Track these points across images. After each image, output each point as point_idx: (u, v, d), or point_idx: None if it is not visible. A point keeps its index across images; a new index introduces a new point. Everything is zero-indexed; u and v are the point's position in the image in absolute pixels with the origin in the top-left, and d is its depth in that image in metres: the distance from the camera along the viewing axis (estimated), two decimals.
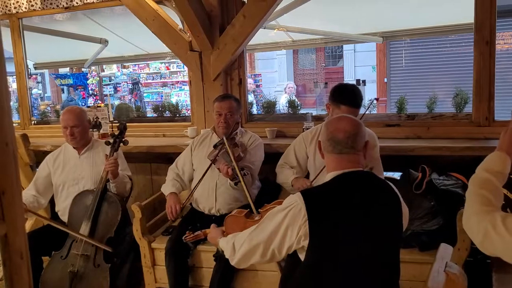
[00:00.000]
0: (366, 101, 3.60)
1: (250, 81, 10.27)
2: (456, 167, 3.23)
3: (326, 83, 9.78)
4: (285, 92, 9.37)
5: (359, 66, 13.97)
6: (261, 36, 4.92)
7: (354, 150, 1.91)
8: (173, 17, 4.03)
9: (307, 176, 3.16)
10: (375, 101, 3.40)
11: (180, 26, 4.02)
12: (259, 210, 2.47)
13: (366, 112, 3.23)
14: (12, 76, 5.20)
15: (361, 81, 9.87)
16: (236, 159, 2.96)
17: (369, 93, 10.55)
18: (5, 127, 1.01)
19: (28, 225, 3.82)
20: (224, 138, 3.03)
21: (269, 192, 3.40)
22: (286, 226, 1.85)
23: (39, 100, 12.32)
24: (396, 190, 2.00)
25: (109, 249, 3.15)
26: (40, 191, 3.47)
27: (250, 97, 8.50)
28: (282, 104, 8.84)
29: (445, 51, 10.36)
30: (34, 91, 12.60)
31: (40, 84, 14.49)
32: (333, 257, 1.84)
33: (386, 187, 1.98)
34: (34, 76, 13.42)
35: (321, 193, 1.90)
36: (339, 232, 1.83)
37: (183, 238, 2.64)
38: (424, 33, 5.64)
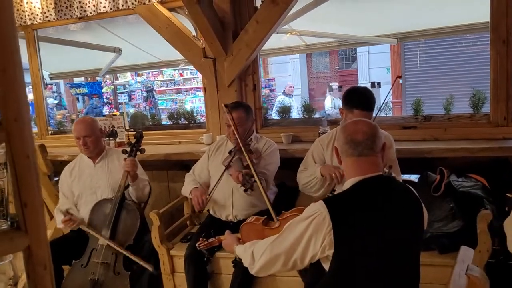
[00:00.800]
0: (380, 103, 3.58)
1: (289, 83, 9.67)
2: (474, 168, 3.19)
3: (340, 86, 9.71)
4: (329, 93, 8.57)
5: (373, 68, 13.88)
6: (274, 40, 4.93)
7: (374, 151, 1.89)
8: (186, 24, 4.05)
9: None
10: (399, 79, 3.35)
11: (193, 33, 4.03)
12: (277, 217, 2.44)
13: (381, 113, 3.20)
14: (28, 86, 5.27)
15: (376, 84, 9.78)
16: (249, 165, 2.96)
17: (384, 95, 10.47)
18: (26, 139, 1.02)
19: (48, 235, 3.85)
20: (238, 145, 3.03)
21: (286, 197, 3.39)
22: (309, 235, 1.82)
23: (55, 109, 12.47)
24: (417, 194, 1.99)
25: (150, 268, 3.12)
26: (73, 203, 3.51)
27: (290, 100, 8.14)
28: (326, 106, 8.28)
29: (460, 51, 10.25)
30: (50, 100, 12.75)
31: (56, 94, 14.66)
32: (358, 265, 1.81)
33: (408, 191, 1.96)
34: (49, 86, 13.59)
35: (344, 201, 1.87)
36: (364, 240, 1.80)
37: (196, 245, 2.63)
38: (439, 33, 5.59)
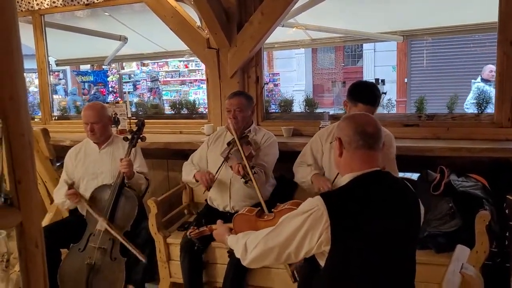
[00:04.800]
0: (385, 99, 3.56)
1: (489, 67, 7.10)
2: (476, 168, 3.18)
3: (344, 83, 9.67)
4: (482, 78, 6.50)
5: (379, 66, 13.80)
6: (279, 34, 4.92)
7: (379, 147, 1.88)
8: (191, 14, 4.04)
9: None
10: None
11: (198, 23, 4.03)
12: (272, 210, 2.43)
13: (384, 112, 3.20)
14: (36, 72, 5.29)
15: (380, 80, 9.73)
16: (248, 157, 2.95)
17: (388, 93, 10.42)
18: (21, 118, 1.03)
19: (48, 218, 3.88)
20: (236, 137, 3.03)
21: (284, 190, 3.39)
22: (305, 230, 1.78)
23: (70, 94, 12.47)
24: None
25: (143, 259, 3.10)
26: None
27: (490, 88, 6.97)
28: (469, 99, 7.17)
29: (467, 51, 10.20)
30: (59, 87, 12.79)
31: (62, 81, 14.67)
32: (355, 261, 1.79)
33: (405, 187, 1.94)
34: (56, 73, 13.61)
35: (343, 197, 1.82)
36: (362, 237, 1.77)
37: (187, 233, 2.62)
38: (446, 32, 5.54)
